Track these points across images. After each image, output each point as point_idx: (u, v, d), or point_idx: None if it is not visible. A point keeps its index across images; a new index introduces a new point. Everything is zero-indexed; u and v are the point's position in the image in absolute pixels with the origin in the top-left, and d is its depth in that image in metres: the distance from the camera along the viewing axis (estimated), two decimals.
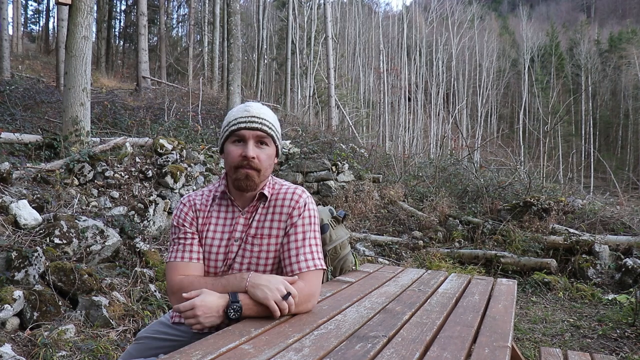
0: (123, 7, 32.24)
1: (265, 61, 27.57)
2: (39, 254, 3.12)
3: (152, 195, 4.93)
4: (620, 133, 47.86)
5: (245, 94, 18.76)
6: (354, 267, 2.23)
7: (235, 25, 9.60)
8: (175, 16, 33.23)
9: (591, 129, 44.51)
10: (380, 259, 5.90)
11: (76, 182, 4.66)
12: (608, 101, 50.47)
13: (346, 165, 8.94)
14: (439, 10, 45.05)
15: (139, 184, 4.95)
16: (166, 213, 5.03)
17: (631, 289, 4.90)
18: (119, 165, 4.99)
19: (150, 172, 5.08)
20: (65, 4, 5.92)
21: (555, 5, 73.39)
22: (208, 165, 6.16)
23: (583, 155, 42.59)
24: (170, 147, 5.43)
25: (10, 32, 20.59)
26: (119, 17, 32.56)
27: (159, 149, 5.36)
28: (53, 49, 20.92)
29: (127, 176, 4.94)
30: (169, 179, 5.10)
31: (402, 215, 7.62)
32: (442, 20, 43.87)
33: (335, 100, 18.44)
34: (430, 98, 39.18)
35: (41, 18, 33.96)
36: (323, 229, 1.99)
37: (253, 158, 1.48)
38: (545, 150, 12.01)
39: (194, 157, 5.95)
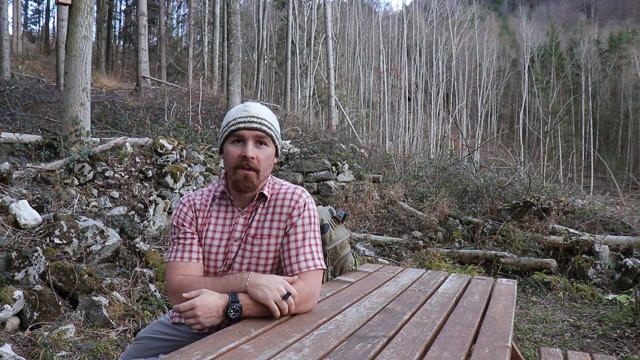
0: (123, 7, 32.27)
1: (265, 61, 27.56)
2: (39, 254, 3.12)
3: (152, 195, 4.93)
4: (620, 133, 47.86)
5: (245, 94, 18.76)
6: (354, 267, 2.23)
7: (235, 25, 9.60)
8: (175, 16, 33.26)
9: (591, 129, 44.52)
10: (380, 259, 5.90)
11: (76, 182, 4.66)
12: (608, 101, 50.47)
13: (346, 165, 8.94)
14: (439, 10, 45.06)
15: (139, 184, 4.95)
16: (166, 213, 5.03)
17: (631, 289, 4.89)
18: (119, 165, 4.99)
19: (150, 172, 5.08)
20: (65, 4, 5.92)
21: (555, 5, 73.41)
22: (208, 165, 6.16)
23: (583, 155, 42.59)
24: (170, 147, 5.43)
25: (10, 32, 20.59)
26: (119, 17, 32.57)
27: (159, 149, 5.36)
28: (53, 49, 20.92)
29: (127, 176, 4.94)
30: (169, 179, 5.10)
31: (402, 215, 7.62)
32: (442, 20, 43.87)
33: (335, 100, 18.44)
34: (430, 98, 39.20)
35: (41, 18, 33.99)
36: (323, 229, 1.99)
37: (252, 158, 1.48)
38: (545, 150, 12.01)
39: (194, 157, 5.95)
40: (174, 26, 33.68)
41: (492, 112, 47.29)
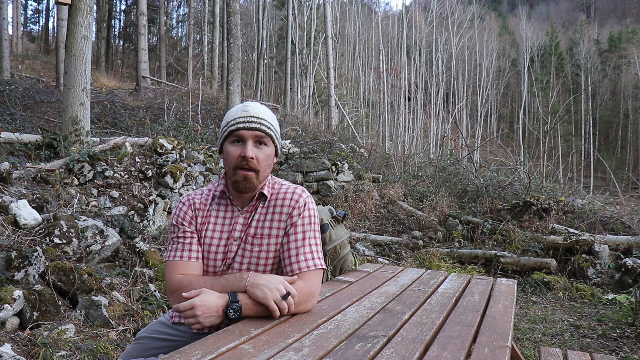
0: (123, 7, 32.28)
1: (265, 61, 27.55)
2: (39, 254, 3.12)
3: (152, 195, 4.93)
4: (620, 133, 47.87)
5: (245, 94, 18.76)
6: (354, 267, 2.23)
7: (235, 25, 9.60)
8: (175, 16, 33.28)
9: (591, 129, 44.52)
10: (380, 259, 5.90)
11: (76, 182, 4.66)
12: (608, 101, 50.47)
13: (346, 165, 8.94)
14: (439, 10, 45.04)
15: (139, 184, 4.95)
16: (166, 213, 5.03)
17: (631, 289, 4.89)
18: (119, 165, 4.99)
19: (150, 172, 5.08)
20: (65, 4, 5.92)
21: (555, 5, 73.41)
22: (208, 165, 6.16)
23: (583, 155, 42.60)
24: (170, 147, 5.43)
25: (10, 32, 20.59)
26: (119, 17, 32.58)
27: (159, 149, 5.36)
28: (53, 49, 20.92)
29: (127, 176, 4.94)
30: (169, 179, 5.10)
31: (402, 215, 7.62)
32: (442, 20, 43.86)
33: (335, 100, 18.44)
34: (430, 98, 39.20)
35: (41, 18, 33.97)
36: (323, 229, 1.99)
37: (252, 158, 1.48)
38: (545, 150, 12.01)
39: (194, 157, 5.95)
40: (174, 26, 33.69)
41: (492, 112, 47.30)
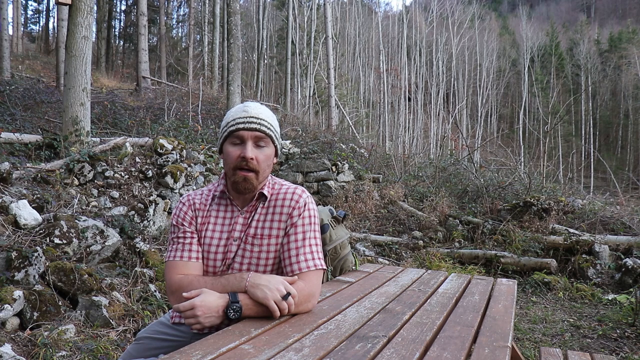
0: (123, 7, 32.29)
1: (265, 61, 27.56)
2: (39, 254, 3.12)
3: (152, 195, 4.93)
4: (620, 133, 47.87)
5: (245, 94, 18.76)
6: (354, 267, 2.23)
7: (235, 25, 9.60)
8: (175, 16, 33.26)
9: (591, 129, 44.52)
10: (380, 259, 5.90)
11: (76, 182, 4.66)
12: (608, 101, 50.47)
13: (346, 165, 8.94)
14: (439, 10, 45.05)
15: (139, 184, 4.95)
16: (166, 213, 5.03)
17: (631, 289, 4.89)
18: (119, 165, 4.99)
19: (150, 172, 5.08)
20: (65, 4, 5.92)
21: (555, 5, 73.41)
22: (208, 165, 6.16)
23: (583, 155, 42.60)
24: (170, 147, 5.43)
25: (10, 32, 20.59)
26: (119, 17, 32.58)
27: (159, 149, 5.36)
28: (53, 49, 20.92)
29: (127, 176, 4.94)
30: (169, 179, 5.10)
31: (402, 215, 7.62)
32: (442, 20, 43.86)
33: (335, 100, 18.44)
34: (430, 98, 39.20)
35: (41, 18, 33.98)
36: (323, 229, 1.99)
37: (252, 159, 1.48)
38: (545, 150, 12.01)
39: (194, 157, 5.96)
40: (174, 26, 33.69)
41: (492, 112, 47.29)
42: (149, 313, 3.31)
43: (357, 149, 11.39)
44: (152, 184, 5.07)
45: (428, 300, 1.74)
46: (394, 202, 8.22)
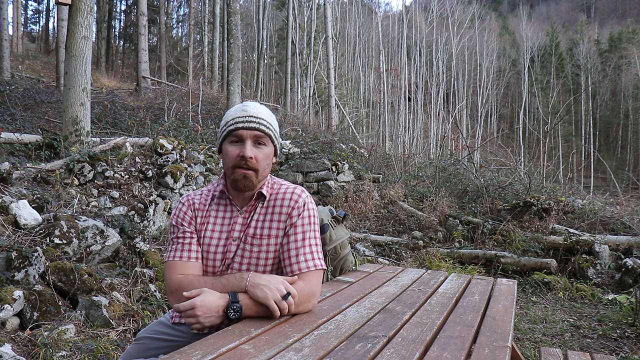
0: (123, 7, 32.29)
1: (265, 61, 27.55)
2: (39, 254, 3.12)
3: (152, 195, 4.93)
4: (620, 133, 47.87)
5: (245, 94, 18.75)
6: (354, 267, 2.23)
7: (235, 25, 9.60)
8: (175, 16, 33.25)
9: (591, 129, 44.52)
10: (380, 259, 5.90)
11: (76, 182, 4.66)
12: (608, 101, 50.48)
13: (346, 165, 8.94)
14: (439, 10, 45.05)
15: (139, 184, 4.95)
16: (166, 213, 5.03)
17: (631, 289, 4.89)
18: (119, 165, 4.99)
19: (150, 172, 5.08)
20: (65, 4, 5.92)
21: (555, 5, 73.41)
22: (208, 165, 6.16)
23: (583, 155, 42.60)
24: (170, 147, 5.43)
25: (10, 32, 20.59)
26: (119, 17, 32.58)
27: (159, 149, 5.36)
28: (53, 49, 20.92)
29: (127, 176, 4.93)
30: (169, 179, 5.10)
31: (402, 215, 7.62)
32: (442, 20, 43.87)
33: (335, 100, 18.44)
34: (430, 98, 39.20)
35: (41, 18, 33.98)
36: (323, 229, 1.99)
37: (251, 158, 1.48)
38: (545, 150, 12.01)
39: (194, 157, 5.95)
40: (174, 26, 33.68)
41: (492, 112, 47.30)
42: (149, 313, 3.31)
43: (357, 149, 11.39)
44: (152, 184, 5.07)
45: (428, 300, 1.74)
46: (394, 202, 8.22)
